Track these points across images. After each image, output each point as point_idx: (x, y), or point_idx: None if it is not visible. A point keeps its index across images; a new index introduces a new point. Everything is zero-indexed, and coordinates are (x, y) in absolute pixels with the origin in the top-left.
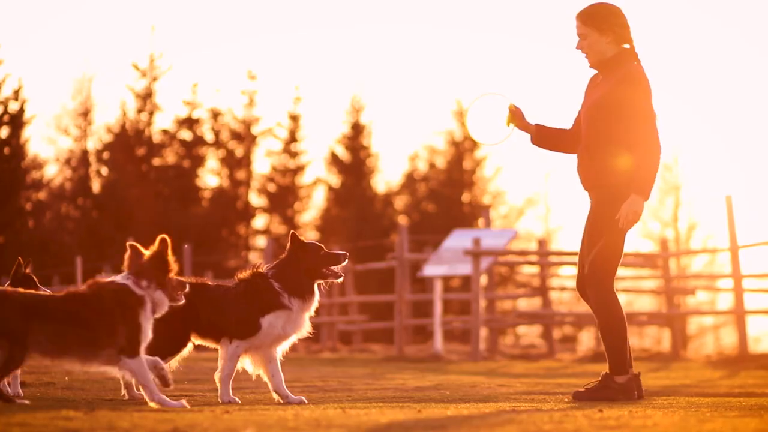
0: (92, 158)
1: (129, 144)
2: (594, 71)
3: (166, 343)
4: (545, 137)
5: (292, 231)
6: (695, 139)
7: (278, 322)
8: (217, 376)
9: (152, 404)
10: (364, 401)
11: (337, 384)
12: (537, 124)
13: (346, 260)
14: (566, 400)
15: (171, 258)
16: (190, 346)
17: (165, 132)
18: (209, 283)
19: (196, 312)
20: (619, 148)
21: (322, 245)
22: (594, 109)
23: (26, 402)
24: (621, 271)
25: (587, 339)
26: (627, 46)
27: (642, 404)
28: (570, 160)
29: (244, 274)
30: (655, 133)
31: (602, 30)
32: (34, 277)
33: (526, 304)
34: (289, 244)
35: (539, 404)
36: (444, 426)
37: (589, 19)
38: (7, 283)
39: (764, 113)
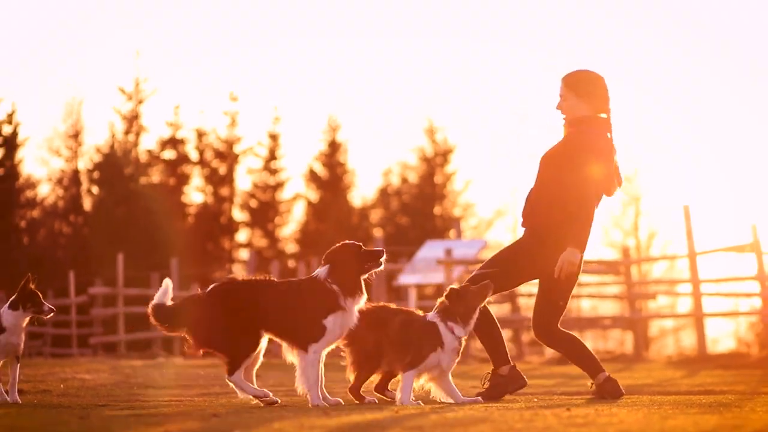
0: (83, 178)
1: (117, 164)
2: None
3: (244, 341)
4: None
5: (343, 242)
6: (654, 152)
7: (337, 321)
8: (300, 387)
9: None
10: (344, 406)
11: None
12: None
13: (384, 255)
14: (535, 400)
15: None
16: (263, 343)
17: (150, 152)
18: (275, 281)
19: (266, 310)
20: (556, 197)
21: (360, 243)
22: (546, 158)
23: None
24: (585, 278)
25: None
26: (603, 115)
27: (607, 403)
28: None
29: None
30: (587, 192)
31: (580, 95)
32: (38, 293)
33: (495, 309)
34: (335, 247)
35: (510, 404)
36: (420, 426)
37: (571, 83)
38: (14, 297)
39: (721, 125)
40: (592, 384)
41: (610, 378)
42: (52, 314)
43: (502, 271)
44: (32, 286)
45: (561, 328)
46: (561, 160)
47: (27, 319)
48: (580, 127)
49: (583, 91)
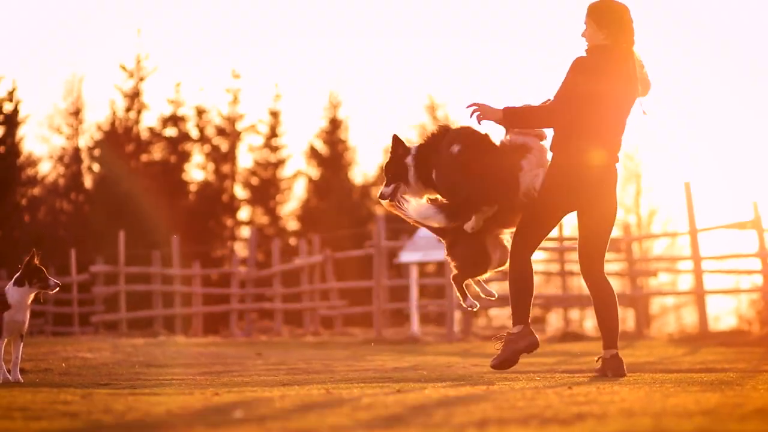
0: (84, 155)
1: (119, 141)
2: None
3: None
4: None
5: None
6: (655, 129)
7: None
8: None
9: None
10: (346, 382)
11: (320, 366)
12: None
13: None
14: (537, 378)
15: None
16: None
17: (151, 130)
18: None
19: None
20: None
21: None
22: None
23: None
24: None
25: (555, 320)
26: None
27: (608, 381)
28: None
29: None
30: (562, 100)
31: (599, 24)
32: (43, 268)
33: (497, 287)
34: None
35: (512, 383)
36: (422, 404)
37: (592, 12)
38: (18, 273)
39: (722, 102)
40: (598, 359)
41: (616, 356)
42: (57, 289)
43: None
44: (37, 262)
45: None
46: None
47: (32, 296)
48: (591, 54)
49: (602, 20)
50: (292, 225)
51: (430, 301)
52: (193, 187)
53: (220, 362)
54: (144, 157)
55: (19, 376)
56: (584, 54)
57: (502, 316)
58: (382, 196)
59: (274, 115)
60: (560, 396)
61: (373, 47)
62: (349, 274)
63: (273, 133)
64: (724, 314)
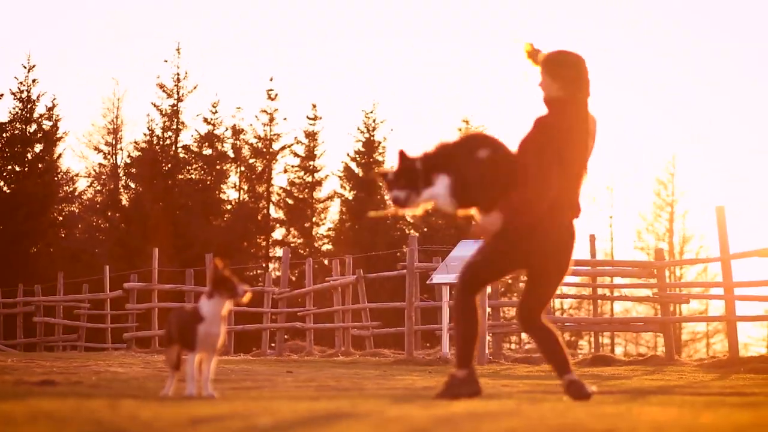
0: (121, 173)
1: (156, 160)
2: None
3: None
4: None
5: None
6: (689, 154)
7: None
8: None
9: None
10: (375, 398)
11: (350, 384)
12: None
13: None
14: (564, 399)
15: None
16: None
17: (188, 148)
18: None
19: None
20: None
21: None
22: (520, 143)
23: None
24: (618, 280)
25: (586, 344)
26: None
27: (638, 401)
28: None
29: None
30: (539, 172)
31: (554, 76)
32: (232, 277)
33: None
34: None
35: (540, 402)
36: (451, 419)
37: (546, 63)
38: (208, 285)
39: (752, 127)
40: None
41: (575, 380)
42: (248, 295)
43: None
44: (225, 272)
45: (543, 319)
46: (523, 142)
47: (226, 307)
48: (548, 108)
49: (556, 72)
50: (326, 246)
51: None
52: (228, 207)
53: (250, 378)
54: (180, 176)
55: (212, 391)
56: (543, 105)
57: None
58: (397, 200)
59: (311, 136)
60: (590, 413)
61: (410, 70)
62: (382, 295)
63: (309, 154)
64: (755, 341)
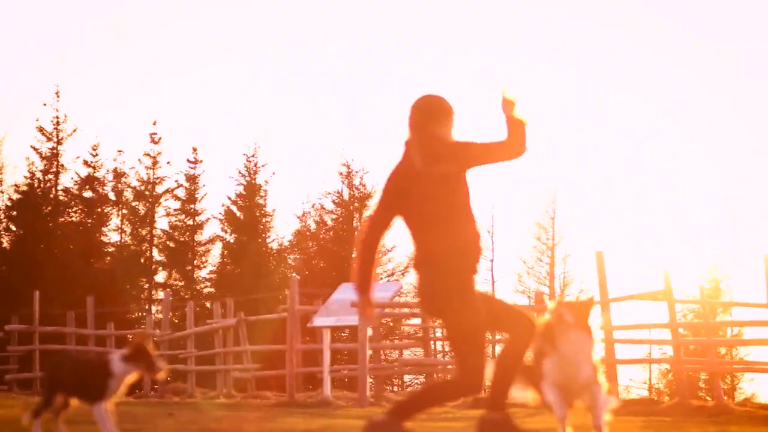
0: (2, 216)
1: (36, 202)
2: None
3: None
4: None
5: None
6: (568, 198)
7: None
8: None
9: None
10: None
11: (231, 426)
12: None
13: None
14: None
15: None
16: None
17: (69, 191)
18: None
19: None
20: None
21: None
22: None
23: None
24: None
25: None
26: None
27: None
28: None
29: None
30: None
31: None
32: None
33: (409, 353)
34: None
35: None
36: None
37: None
38: None
39: (752, 127)
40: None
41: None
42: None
43: None
44: (148, 348)
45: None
46: None
47: (133, 376)
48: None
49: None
50: (208, 288)
51: (343, 365)
52: (110, 249)
53: (130, 420)
54: (61, 219)
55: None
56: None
57: (414, 381)
58: None
59: (192, 179)
60: None
61: (291, 114)
62: (263, 337)
63: (190, 197)
64: (637, 384)
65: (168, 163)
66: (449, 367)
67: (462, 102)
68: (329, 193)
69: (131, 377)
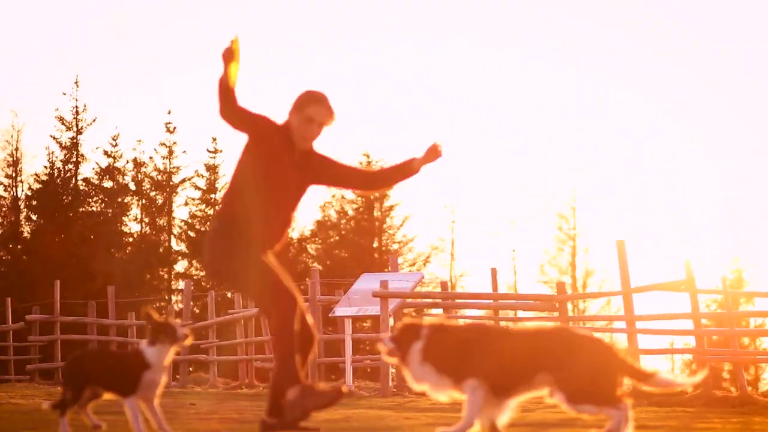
0: (22, 206)
1: (56, 192)
2: None
3: None
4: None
5: None
6: (590, 189)
7: None
8: None
9: None
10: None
11: (252, 416)
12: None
13: None
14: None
15: None
16: None
17: (89, 181)
18: None
19: None
20: None
21: None
22: None
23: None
24: (522, 313)
25: None
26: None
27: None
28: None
29: None
30: None
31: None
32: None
33: None
34: None
35: None
36: None
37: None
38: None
39: (752, 127)
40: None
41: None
42: (188, 339)
43: None
44: (162, 318)
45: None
46: None
47: (170, 354)
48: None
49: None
50: None
51: (365, 355)
52: (130, 239)
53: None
54: (81, 209)
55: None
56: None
57: None
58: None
59: (212, 168)
60: None
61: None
62: None
63: (210, 187)
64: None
65: (184, 152)
66: None
67: (462, 102)
68: None
69: (167, 358)
